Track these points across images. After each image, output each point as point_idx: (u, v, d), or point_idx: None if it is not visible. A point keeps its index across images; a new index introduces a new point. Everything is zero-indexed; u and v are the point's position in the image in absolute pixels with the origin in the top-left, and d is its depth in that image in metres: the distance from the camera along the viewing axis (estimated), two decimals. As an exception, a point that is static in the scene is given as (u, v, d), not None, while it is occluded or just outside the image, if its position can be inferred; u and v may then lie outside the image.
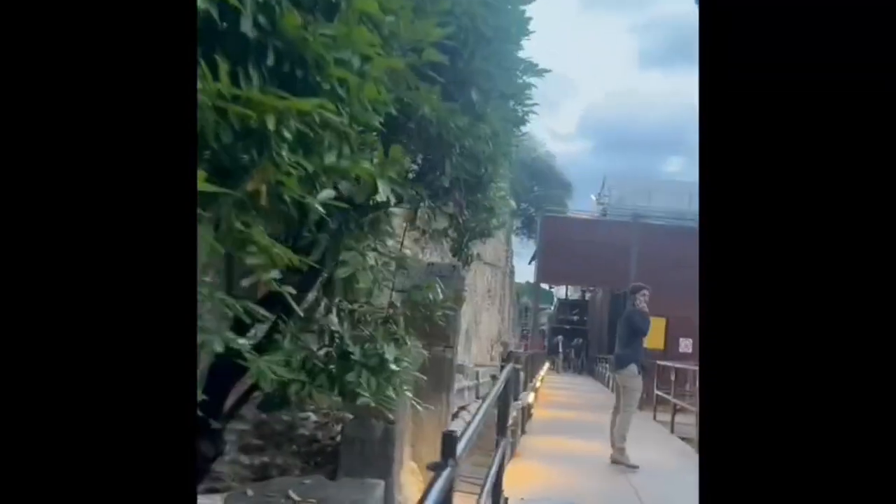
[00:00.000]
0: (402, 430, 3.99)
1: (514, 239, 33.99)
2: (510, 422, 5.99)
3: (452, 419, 6.22)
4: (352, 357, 1.91)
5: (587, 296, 36.56)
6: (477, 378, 10.47)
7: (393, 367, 1.92)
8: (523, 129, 2.92)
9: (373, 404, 1.87)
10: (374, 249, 2.03)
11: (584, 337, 32.14)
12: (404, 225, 2.66)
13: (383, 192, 1.52)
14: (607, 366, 22.35)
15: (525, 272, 31.49)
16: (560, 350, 25.21)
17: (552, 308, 40.28)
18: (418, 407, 2.47)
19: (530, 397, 7.70)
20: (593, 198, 35.80)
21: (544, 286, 31.89)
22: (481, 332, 13.29)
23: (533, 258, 27.40)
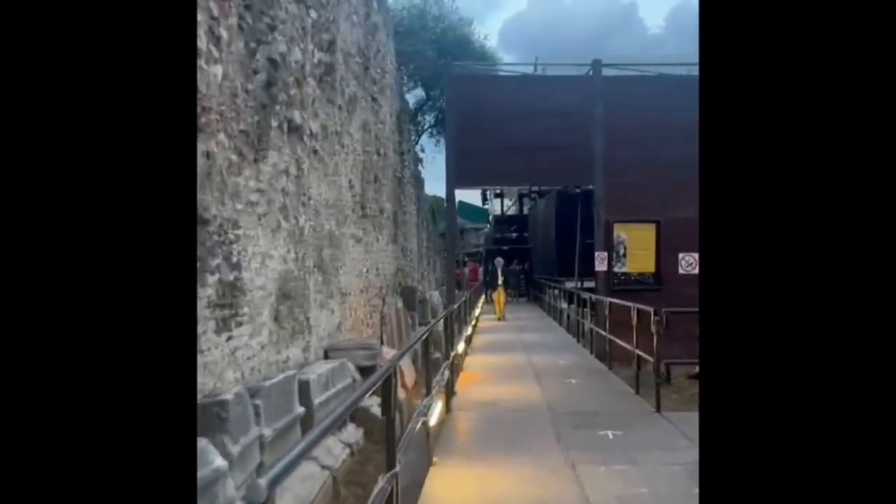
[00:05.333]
0: None
1: (426, 141, 27.78)
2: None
3: None
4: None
5: (526, 208, 30.92)
6: (327, 387, 4.85)
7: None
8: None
9: None
10: None
11: (526, 257, 26.78)
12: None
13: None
14: (556, 292, 16.83)
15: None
16: (499, 277, 19.72)
17: (489, 227, 34.77)
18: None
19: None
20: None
21: (469, 199, 25.96)
22: (350, 282, 7.50)
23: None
